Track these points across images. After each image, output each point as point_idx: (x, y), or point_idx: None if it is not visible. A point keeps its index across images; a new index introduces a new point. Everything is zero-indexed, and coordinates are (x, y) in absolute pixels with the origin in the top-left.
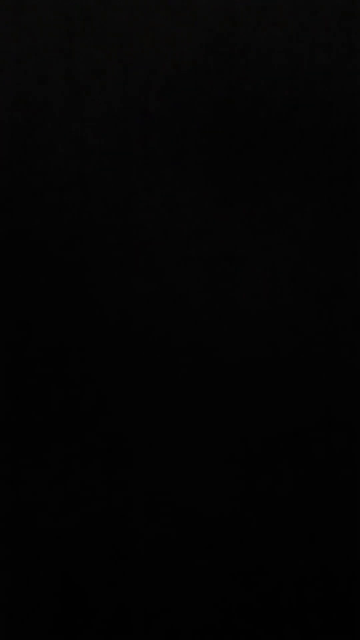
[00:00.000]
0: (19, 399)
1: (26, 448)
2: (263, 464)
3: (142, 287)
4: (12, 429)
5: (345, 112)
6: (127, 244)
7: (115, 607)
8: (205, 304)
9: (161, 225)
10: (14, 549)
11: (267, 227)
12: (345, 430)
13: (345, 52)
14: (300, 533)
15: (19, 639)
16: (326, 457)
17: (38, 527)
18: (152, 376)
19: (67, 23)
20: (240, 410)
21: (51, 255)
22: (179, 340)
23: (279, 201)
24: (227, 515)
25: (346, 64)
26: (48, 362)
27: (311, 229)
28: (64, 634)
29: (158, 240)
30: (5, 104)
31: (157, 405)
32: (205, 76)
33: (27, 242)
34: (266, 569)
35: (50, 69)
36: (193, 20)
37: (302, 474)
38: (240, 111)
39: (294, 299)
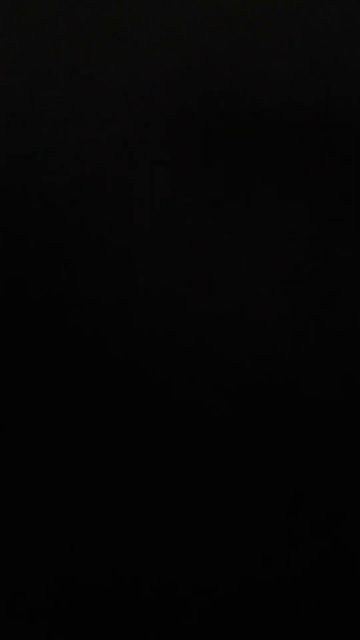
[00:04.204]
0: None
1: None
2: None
3: (141, 288)
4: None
5: (344, 112)
6: (126, 244)
7: None
8: (205, 305)
9: (161, 225)
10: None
11: (268, 228)
12: (350, 437)
13: (346, 53)
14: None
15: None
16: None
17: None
18: (151, 378)
19: (67, 23)
20: (240, 414)
21: (50, 256)
22: (179, 341)
23: (279, 201)
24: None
25: (347, 65)
26: (45, 368)
27: (311, 229)
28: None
29: (158, 240)
30: (5, 104)
31: (156, 406)
32: (205, 76)
33: (26, 243)
34: None
35: (51, 69)
36: (193, 20)
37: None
38: (241, 111)
39: (294, 299)
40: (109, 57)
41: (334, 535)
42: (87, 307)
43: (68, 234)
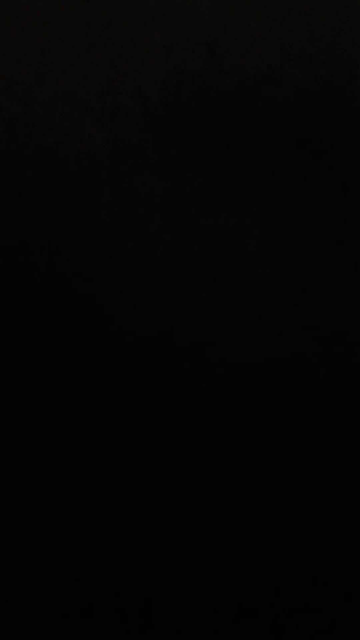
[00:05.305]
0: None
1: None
2: (263, 466)
3: (141, 287)
4: (12, 429)
5: (343, 111)
6: (127, 244)
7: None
8: (205, 304)
9: (160, 225)
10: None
11: (267, 227)
12: (346, 434)
13: (344, 50)
14: (301, 541)
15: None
16: (326, 460)
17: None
18: (152, 377)
19: (67, 23)
20: (240, 412)
21: (50, 255)
22: (179, 341)
23: (279, 201)
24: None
25: (345, 63)
26: (44, 363)
27: (311, 229)
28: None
29: (158, 239)
30: (5, 104)
31: (156, 405)
32: (205, 76)
33: (25, 242)
34: (266, 579)
35: (50, 69)
36: (193, 21)
37: (302, 476)
38: (240, 111)
39: (294, 299)
40: (109, 56)
41: (321, 504)
42: (86, 303)
43: (66, 234)
